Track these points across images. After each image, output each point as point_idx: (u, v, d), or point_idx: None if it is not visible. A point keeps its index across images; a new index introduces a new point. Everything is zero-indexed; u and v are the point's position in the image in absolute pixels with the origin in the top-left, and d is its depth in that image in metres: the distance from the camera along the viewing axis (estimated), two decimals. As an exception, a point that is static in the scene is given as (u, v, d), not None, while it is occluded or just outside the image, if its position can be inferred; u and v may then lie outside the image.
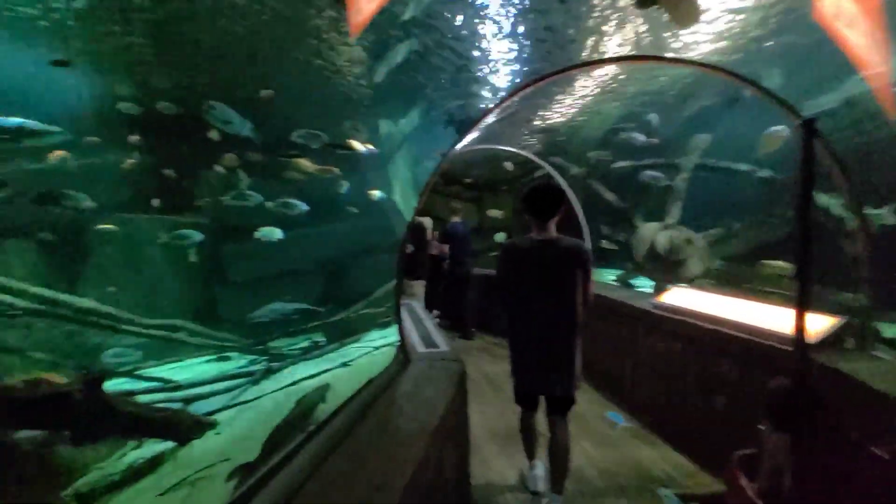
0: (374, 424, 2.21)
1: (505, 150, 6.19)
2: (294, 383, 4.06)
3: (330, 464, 1.81)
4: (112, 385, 5.56)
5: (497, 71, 6.09)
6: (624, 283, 6.78)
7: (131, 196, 8.58)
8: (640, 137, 6.81)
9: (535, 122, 6.39)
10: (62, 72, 6.58)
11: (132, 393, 4.40)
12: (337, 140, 6.83)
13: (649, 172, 6.75)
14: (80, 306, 6.81)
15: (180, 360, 6.70)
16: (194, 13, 5.75)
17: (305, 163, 7.31)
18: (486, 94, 6.27)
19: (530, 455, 2.94)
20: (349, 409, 2.55)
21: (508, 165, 8.65)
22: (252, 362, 6.20)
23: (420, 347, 3.72)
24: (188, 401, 4.35)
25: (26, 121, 5.39)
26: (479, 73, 6.07)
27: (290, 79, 7.06)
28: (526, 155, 5.94)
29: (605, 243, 7.26)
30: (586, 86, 5.57)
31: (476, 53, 6.27)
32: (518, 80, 5.34)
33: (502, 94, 5.59)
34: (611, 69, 5.23)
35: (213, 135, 6.50)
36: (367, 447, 1.95)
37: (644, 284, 5.89)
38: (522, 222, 3.04)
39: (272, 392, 3.96)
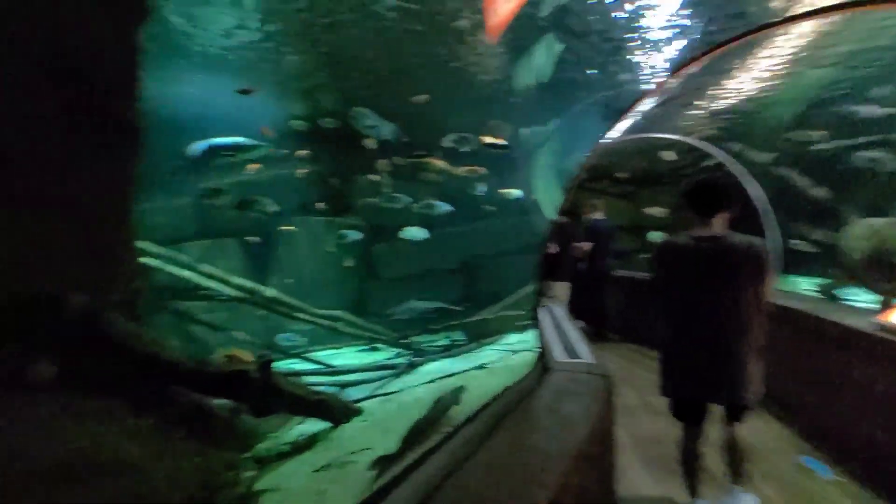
0: (509, 438, 2.05)
1: (665, 139, 5.45)
2: (433, 381, 4.13)
3: (463, 474, 1.70)
4: (285, 364, 6.44)
5: (656, 50, 5.42)
6: (829, 294, 5.41)
7: (303, 201, 9.82)
8: (863, 109, 5.30)
9: (704, 104, 5.50)
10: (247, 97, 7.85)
11: (299, 374, 5.00)
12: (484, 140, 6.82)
13: (866, 154, 5.27)
14: (267, 295, 8.06)
15: (339, 348, 7.46)
16: (358, 34, 6.32)
17: (438, 163, 7.47)
18: (641, 77, 5.63)
19: (692, 490, 2.47)
20: (484, 417, 2.43)
21: (669, 155, 7.66)
22: (397, 355, 6.57)
23: (561, 356, 3.45)
24: (342, 385, 4.77)
25: (240, 138, 6.57)
26: (634, 56, 5.47)
27: (434, 82, 7.29)
28: (691, 142, 5.14)
29: (798, 244, 5.88)
30: (774, 53, 4.58)
31: (630, 35, 5.67)
32: (681, 57, 4.66)
33: (662, 75, 4.95)
34: (807, 27, 4.19)
35: (367, 143, 7.06)
36: (502, 462, 1.79)
37: (860, 298, 4.59)
38: (685, 220, 2.59)
39: (412, 387, 4.09)
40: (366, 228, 9.43)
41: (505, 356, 4.70)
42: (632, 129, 4.81)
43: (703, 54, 4.10)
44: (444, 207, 7.19)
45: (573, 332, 4.34)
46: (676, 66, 4.22)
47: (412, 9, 5.83)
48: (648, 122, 5.07)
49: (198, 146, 6.48)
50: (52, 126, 2.19)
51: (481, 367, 4.35)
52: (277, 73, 7.07)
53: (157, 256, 7.61)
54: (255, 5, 5.81)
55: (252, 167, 8.69)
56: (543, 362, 3.13)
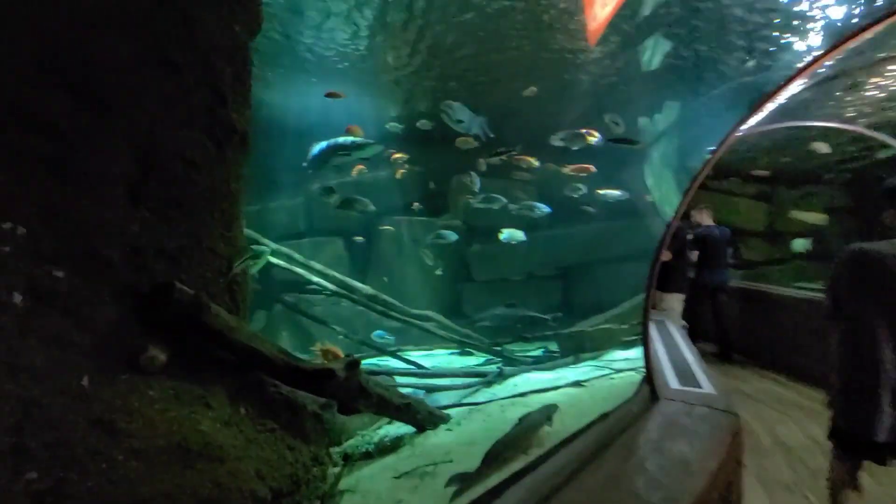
0: (604, 476, 1.76)
1: (817, 128, 4.55)
2: (523, 394, 3.87)
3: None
4: (376, 361, 6.61)
5: (803, 28, 4.56)
6: None
7: (403, 202, 10.06)
8: None
9: (874, 83, 4.49)
10: (347, 101, 8.31)
11: (389, 373, 5.06)
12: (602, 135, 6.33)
13: None
14: (366, 291, 8.40)
15: (430, 350, 7.48)
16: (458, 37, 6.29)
17: (530, 160, 7.10)
18: (785, 58, 4.78)
19: None
20: (577, 447, 2.16)
21: (821, 147, 6.46)
22: (487, 362, 6.39)
23: (674, 382, 3.00)
24: (429, 389, 4.72)
25: (356, 138, 6.94)
26: (777, 35, 4.67)
27: (542, 78, 6.99)
28: (858, 130, 4.21)
29: None
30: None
31: (770, 13, 4.87)
32: (843, 28, 3.81)
33: (815, 52, 4.12)
34: None
35: (459, 142, 6.96)
36: (594, 508, 1.53)
37: None
38: (847, 226, 2.08)
39: (501, 399, 3.87)
40: (462, 230, 9.42)
41: (607, 376, 4.26)
42: (771, 118, 4.07)
43: (870, 25, 3.34)
44: (543, 209, 6.86)
45: (690, 352, 3.81)
46: (836, 41, 3.47)
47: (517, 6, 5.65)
48: (794, 109, 4.25)
49: (318, 147, 6.85)
50: (181, 131, 2.39)
51: (578, 384, 3.98)
52: (381, 78, 7.35)
53: (273, 252, 8.34)
54: (368, 19, 6.08)
55: (358, 168, 9.16)
56: (652, 388, 2.74)
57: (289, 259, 8.40)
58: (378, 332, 7.61)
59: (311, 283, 8.19)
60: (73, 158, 1.91)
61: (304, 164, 6.45)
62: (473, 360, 6.72)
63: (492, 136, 5.12)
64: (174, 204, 2.34)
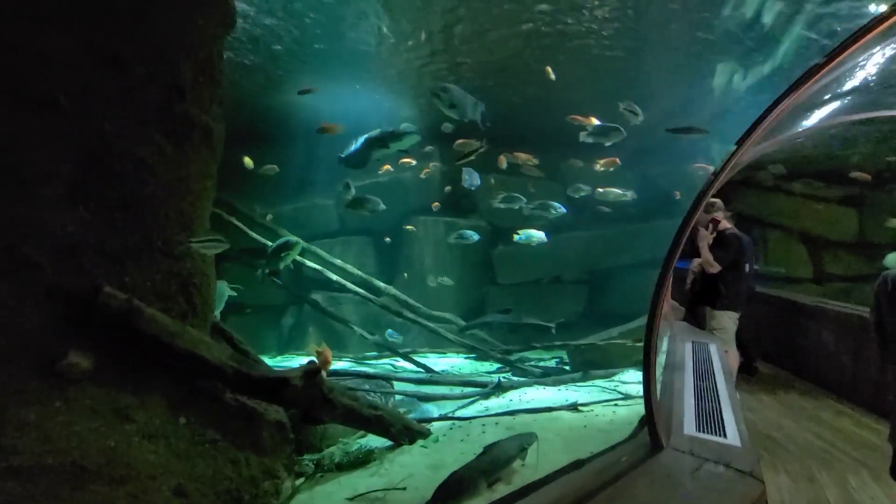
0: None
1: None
2: (512, 413, 3.57)
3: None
4: (390, 363, 6.45)
5: None
6: None
7: (427, 201, 9.88)
8: None
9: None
10: (385, 102, 8.22)
11: (385, 378, 4.89)
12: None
13: None
14: (387, 291, 8.33)
15: (444, 353, 7.28)
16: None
17: (523, 156, 6.68)
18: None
19: None
20: (548, 495, 1.87)
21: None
22: (499, 370, 6.10)
23: (690, 425, 2.53)
24: (422, 398, 4.52)
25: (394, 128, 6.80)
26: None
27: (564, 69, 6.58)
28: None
29: None
30: None
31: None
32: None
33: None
34: None
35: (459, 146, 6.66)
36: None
37: None
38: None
39: (485, 416, 3.60)
40: (488, 231, 9.13)
41: (610, 403, 3.85)
42: (859, 107, 3.43)
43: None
44: (559, 208, 6.45)
45: (726, 387, 3.23)
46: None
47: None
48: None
49: (354, 144, 6.69)
50: (130, 129, 2.33)
51: (574, 407, 3.62)
52: (417, 80, 7.19)
53: (304, 251, 8.43)
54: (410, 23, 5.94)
55: (385, 168, 9.10)
56: (653, 433, 2.33)
57: (316, 258, 8.48)
58: (389, 330, 7.51)
59: (333, 282, 8.21)
60: (8, 159, 1.87)
61: (342, 163, 6.24)
62: (486, 367, 6.45)
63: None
64: (121, 204, 2.28)
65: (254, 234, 8.50)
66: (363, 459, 3.15)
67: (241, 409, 2.65)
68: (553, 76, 6.20)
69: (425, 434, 3.44)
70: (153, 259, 2.42)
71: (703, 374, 3.55)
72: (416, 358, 6.86)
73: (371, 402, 3.27)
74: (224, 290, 7.00)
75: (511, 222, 8.38)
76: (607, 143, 6.18)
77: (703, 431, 2.45)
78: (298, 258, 7.80)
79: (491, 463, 2.41)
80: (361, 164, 6.35)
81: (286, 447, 2.88)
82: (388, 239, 9.09)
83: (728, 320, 4.78)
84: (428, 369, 6.00)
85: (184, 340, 2.30)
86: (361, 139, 6.54)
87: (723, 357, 4.22)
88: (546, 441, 2.81)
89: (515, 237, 7.05)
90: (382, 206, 6.66)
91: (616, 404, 3.75)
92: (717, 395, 3.01)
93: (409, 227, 9.56)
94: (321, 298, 9.22)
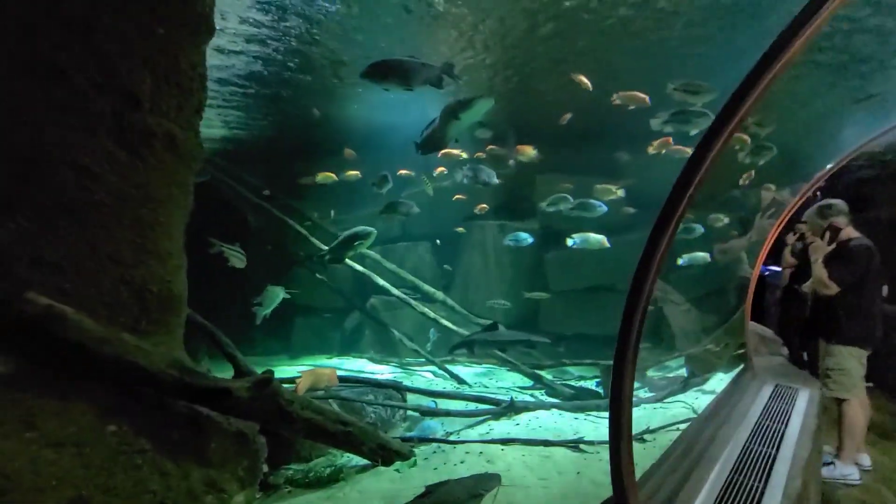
0: None
1: None
2: (502, 441, 3.11)
3: None
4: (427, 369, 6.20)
5: None
6: None
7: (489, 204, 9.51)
8: None
9: None
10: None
11: (395, 387, 4.64)
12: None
13: None
14: (435, 297, 8.15)
15: (479, 363, 6.87)
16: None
17: (529, 150, 5.94)
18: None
19: None
20: None
21: None
22: (534, 385, 5.55)
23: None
24: (424, 413, 4.20)
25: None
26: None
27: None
28: None
29: None
30: None
31: None
32: None
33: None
34: None
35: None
36: None
37: None
38: None
39: (473, 441, 3.18)
40: (541, 234, 8.54)
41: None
42: None
43: None
44: (600, 208, 5.72)
45: (792, 460, 2.40)
46: None
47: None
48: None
49: (425, 130, 6.56)
50: (72, 138, 2.39)
51: (576, 445, 3.05)
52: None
53: (365, 256, 8.61)
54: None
55: (439, 170, 8.99)
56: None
57: (369, 265, 8.60)
58: (432, 330, 7.32)
59: (381, 287, 8.25)
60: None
61: (419, 150, 5.84)
62: (522, 381, 5.93)
63: (461, 80, 4.17)
64: (62, 212, 2.34)
65: (314, 241, 8.82)
66: (330, 478, 2.95)
67: (190, 418, 2.60)
68: (590, 86, 5.61)
69: (405, 455, 3.15)
70: (100, 266, 2.46)
71: (766, 432, 2.69)
72: (452, 368, 6.56)
73: (341, 417, 3.05)
74: (278, 293, 7.33)
75: (567, 225, 7.73)
76: (693, 132, 5.42)
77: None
78: (349, 262, 7.94)
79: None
80: (438, 145, 5.58)
81: (243, 459, 2.77)
82: (438, 241, 8.93)
83: (850, 359, 3.68)
84: (459, 380, 5.67)
85: (113, 346, 2.28)
86: (431, 121, 6.09)
87: (812, 411, 3.29)
88: (519, 488, 2.36)
89: (569, 241, 6.42)
90: (416, 210, 6.48)
91: (643, 439, 3.11)
92: (770, 468, 2.22)
93: (460, 229, 9.32)
94: (378, 303, 9.33)
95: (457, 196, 8.36)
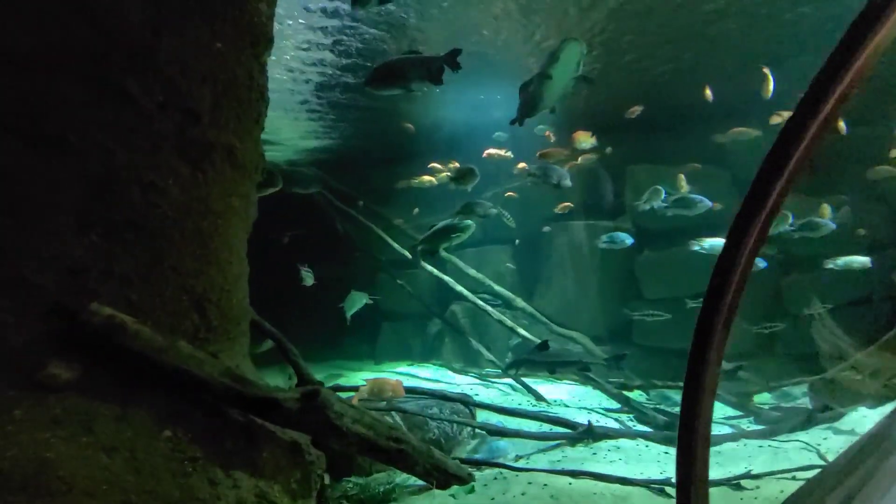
0: None
1: None
2: (571, 473, 2.71)
3: None
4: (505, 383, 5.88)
5: None
6: None
7: (576, 202, 8.91)
8: None
9: None
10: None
11: (467, 402, 4.39)
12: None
13: None
14: (514, 304, 7.80)
15: (559, 379, 6.34)
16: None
17: (583, 135, 5.13)
18: None
19: None
20: None
21: None
22: (623, 408, 4.95)
23: None
24: (493, 432, 3.89)
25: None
26: None
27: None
28: None
29: None
30: None
31: None
32: None
33: None
34: None
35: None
36: None
37: None
38: None
39: (540, 470, 2.82)
40: (634, 234, 7.75)
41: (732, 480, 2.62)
42: None
43: None
44: (705, 203, 4.94)
45: None
46: None
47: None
48: None
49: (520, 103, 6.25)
50: (138, 157, 2.55)
51: (661, 484, 2.54)
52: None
53: (446, 261, 8.59)
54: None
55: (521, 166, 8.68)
56: None
57: (456, 269, 8.54)
58: (514, 347, 6.96)
59: (458, 293, 8.11)
60: (17, 196, 2.21)
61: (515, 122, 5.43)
62: (610, 403, 5.34)
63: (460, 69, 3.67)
64: (130, 226, 2.49)
65: (396, 246, 8.95)
66: (384, 497, 2.82)
67: (244, 427, 2.63)
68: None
69: (463, 479, 2.91)
70: (163, 276, 2.58)
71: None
72: (548, 384, 6.15)
73: (394, 434, 2.90)
74: (360, 298, 7.54)
75: (661, 223, 6.89)
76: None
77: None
78: (427, 266, 7.91)
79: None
80: (533, 110, 4.86)
81: (296, 471, 2.75)
82: (517, 241, 8.55)
83: None
84: (538, 396, 5.26)
85: (170, 355, 2.37)
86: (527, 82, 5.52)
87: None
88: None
89: (694, 246, 5.63)
90: (494, 211, 6.21)
91: (739, 485, 2.52)
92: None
93: (546, 228, 8.84)
94: (459, 309, 9.21)
95: (563, 204, 7.86)
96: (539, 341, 5.25)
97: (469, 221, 5.62)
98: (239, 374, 2.58)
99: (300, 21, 5.69)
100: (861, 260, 5.48)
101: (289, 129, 9.28)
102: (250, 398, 2.50)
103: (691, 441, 1.43)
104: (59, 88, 2.31)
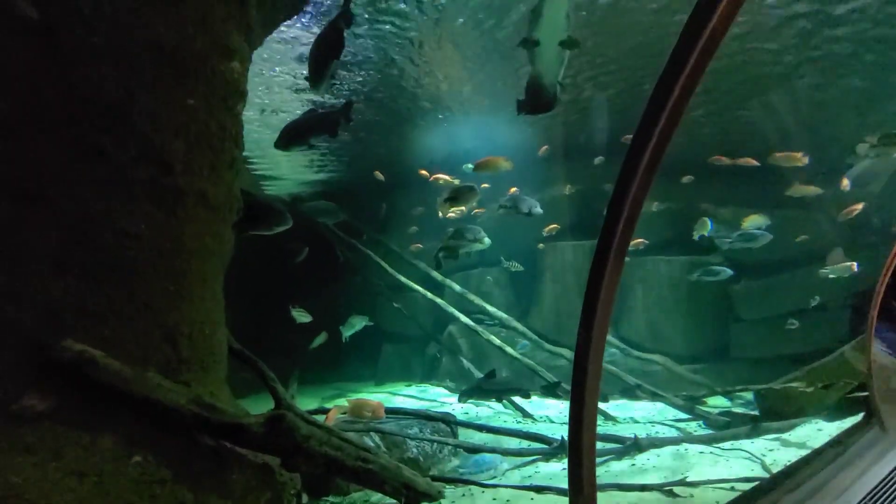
0: None
1: None
2: (536, 490, 2.75)
3: None
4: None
5: None
6: None
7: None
8: None
9: None
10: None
11: (448, 421, 4.46)
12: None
13: None
14: (508, 323, 7.87)
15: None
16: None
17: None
18: None
19: None
20: None
21: None
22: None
23: None
24: (470, 450, 3.95)
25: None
26: None
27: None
28: None
29: None
30: None
31: None
32: None
33: None
34: None
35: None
36: None
37: None
38: None
39: (503, 486, 2.88)
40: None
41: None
42: None
43: None
44: (763, 237, 5.25)
45: None
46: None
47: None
48: None
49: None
50: (112, 205, 2.80)
51: (670, 490, 2.57)
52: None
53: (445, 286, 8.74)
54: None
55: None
56: None
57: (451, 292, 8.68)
58: (522, 342, 7.10)
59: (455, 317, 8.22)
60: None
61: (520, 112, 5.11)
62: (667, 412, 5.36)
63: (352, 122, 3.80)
64: (104, 268, 2.73)
65: (392, 271, 9.15)
66: (352, 518, 2.92)
67: (213, 450, 2.78)
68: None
69: (433, 497, 3.00)
70: (135, 312, 2.80)
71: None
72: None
73: (361, 454, 3.02)
74: (359, 321, 7.77)
75: (753, 256, 7.04)
76: None
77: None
78: (419, 288, 8.07)
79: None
80: (537, 97, 4.60)
81: (266, 492, 2.88)
82: (512, 264, 8.66)
83: None
84: (524, 413, 5.28)
85: (139, 385, 2.56)
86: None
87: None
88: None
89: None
90: (487, 241, 6.38)
91: (672, 491, 2.56)
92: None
93: (540, 245, 8.98)
94: (456, 330, 9.30)
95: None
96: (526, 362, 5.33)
97: (484, 235, 5.90)
98: (207, 402, 2.75)
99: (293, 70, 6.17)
100: (847, 265, 5.68)
101: (286, 165, 9.71)
102: (216, 423, 2.66)
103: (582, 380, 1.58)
104: (38, 149, 2.59)
